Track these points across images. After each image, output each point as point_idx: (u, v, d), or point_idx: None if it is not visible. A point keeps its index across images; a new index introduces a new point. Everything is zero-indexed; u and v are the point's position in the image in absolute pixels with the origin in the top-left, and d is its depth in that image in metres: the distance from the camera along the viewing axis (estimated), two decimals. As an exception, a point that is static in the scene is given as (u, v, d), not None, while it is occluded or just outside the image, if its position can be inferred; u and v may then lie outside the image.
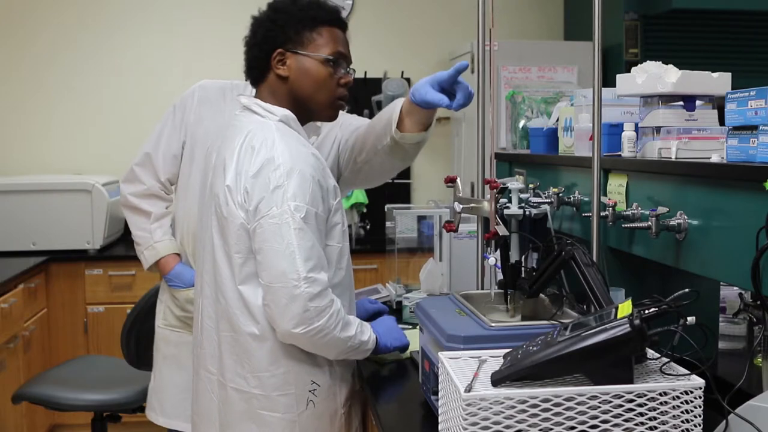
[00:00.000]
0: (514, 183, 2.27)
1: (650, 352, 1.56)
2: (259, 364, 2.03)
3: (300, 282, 1.91)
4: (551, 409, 1.41)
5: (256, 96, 2.16)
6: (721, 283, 2.17)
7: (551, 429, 1.42)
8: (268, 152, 1.98)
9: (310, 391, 2.06)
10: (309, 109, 2.14)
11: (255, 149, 1.99)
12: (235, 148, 2.03)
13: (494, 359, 1.60)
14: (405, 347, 2.29)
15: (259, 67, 2.12)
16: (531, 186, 2.59)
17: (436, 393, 1.73)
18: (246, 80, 2.20)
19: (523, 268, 2.04)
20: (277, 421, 2.04)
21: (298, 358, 2.04)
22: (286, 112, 2.09)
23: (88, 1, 5.27)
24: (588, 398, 1.41)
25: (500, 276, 2.05)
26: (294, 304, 1.92)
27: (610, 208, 2.09)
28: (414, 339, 2.26)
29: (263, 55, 2.10)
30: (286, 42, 2.08)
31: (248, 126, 2.07)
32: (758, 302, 2.15)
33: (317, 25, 2.11)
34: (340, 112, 2.25)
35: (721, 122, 1.94)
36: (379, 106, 5.36)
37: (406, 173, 5.50)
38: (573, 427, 1.42)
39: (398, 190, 5.42)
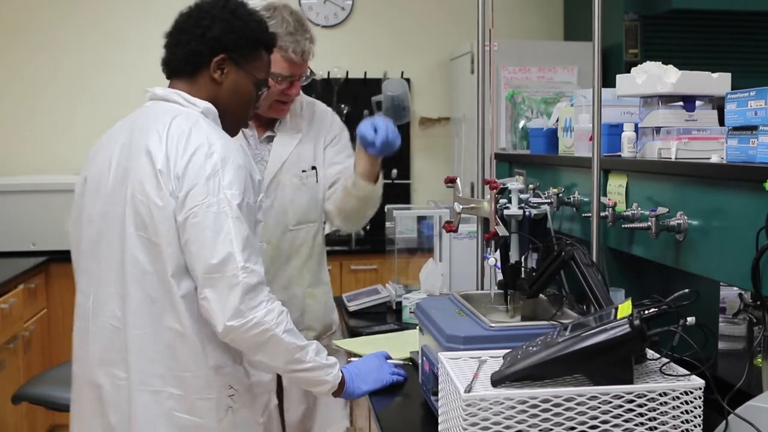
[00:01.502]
0: (514, 183, 2.27)
1: (650, 353, 1.56)
2: (183, 363, 1.89)
3: (238, 271, 1.80)
4: (551, 410, 1.41)
5: (171, 87, 2.05)
6: (721, 283, 2.17)
7: (551, 429, 1.42)
8: (200, 138, 1.88)
9: (229, 396, 1.94)
10: (223, 120, 2.05)
11: (185, 134, 1.88)
12: (161, 133, 1.90)
13: (494, 359, 1.60)
14: (387, 386, 2.13)
15: (194, 62, 2.01)
16: (531, 186, 2.59)
17: (435, 393, 1.73)
18: (163, 68, 2.09)
19: (522, 269, 2.03)
20: (194, 427, 1.91)
21: (222, 359, 1.92)
22: (209, 105, 2.00)
23: (95, 1, 5.29)
24: (588, 398, 1.42)
25: (500, 276, 2.05)
26: (232, 294, 1.80)
27: (610, 209, 2.09)
28: (414, 340, 2.25)
29: (206, 52, 2.00)
30: (234, 50, 2.01)
31: (171, 112, 1.95)
32: (758, 302, 2.15)
33: (262, 47, 2.08)
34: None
35: (721, 122, 1.94)
36: (379, 106, 5.36)
37: (406, 173, 5.50)
38: (573, 428, 1.42)
39: (398, 191, 5.42)
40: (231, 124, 2.08)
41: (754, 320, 2.24)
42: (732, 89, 1.98)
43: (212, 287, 1.82)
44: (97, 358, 1.96)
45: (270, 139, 2.60)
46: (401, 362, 2.23)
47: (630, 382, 1.44)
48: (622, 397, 1.43)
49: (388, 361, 2.18)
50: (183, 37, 2.02)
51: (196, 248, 1.83)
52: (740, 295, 2.33)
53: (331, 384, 1.99)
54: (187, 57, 2.01)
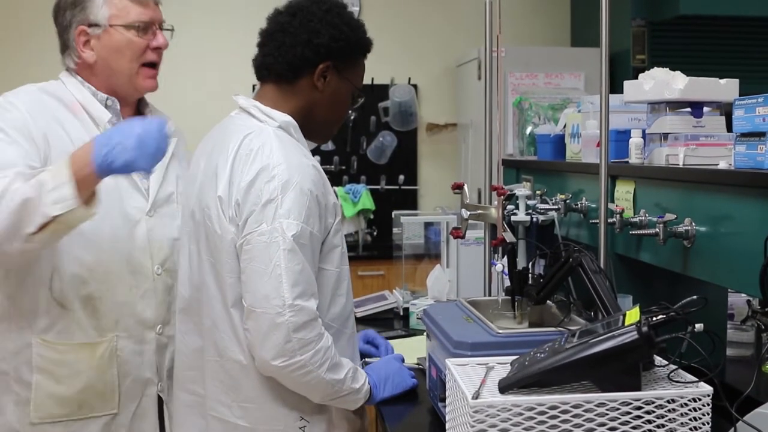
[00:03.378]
0: (522, 189, 2.27)
1: (658, 359, 1.55)
2: (246, 395, 1.84)
3: (284, 309, 1.71)
4: (559, 416, 1.41)
5: (260, 95, 1.96)
6: (729, 289, 2.17)
7: (559, 436, 1.42)
8: (263, 161, 1.78)
9: (300, 428, 1.86)
10: (314, 129, 1.98)
11: (251, 156, 1.80)
12: (229, 154, 1.83)
13: (501, 366, 1.60)
14: (409, 390, 2.10)
15: (298, 67, 1.91)
16: (538, 192, 2.59)
17: (443, 400, 1.72)
18: (258, 69, 1.98)
19: (530, 275, 2.03)
20: None
21: (289, 391, 1.83)
22: (287, 118, 1.90)
23: None
24: (596, 405, 1.41)
25: (507, 282, 2.05)
26: (275, 332, 1.71)
27: (618, 215, 2.09)
28: (421, 346, 2.25)
29: (314, 59, 1.90)
30: (338, 57, 1.93)
31: (244, 130, 1.87)
32: (766, 309, 2.14)
33: (363, 55, 2.02)
34: None
35: (729, 129, 1.94)
36: (386, 112, 5.36)
37: (413, 179, 5.50)
38: (581, 435, 1.42)
39: (405, 197, 5.43)
40: (322, 133, 2.04)
41: (763, 327, 2.24)
42: (740, 95, 1.98)
43: (255, 320, 1.75)
44: (184, 370, 1.98)
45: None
46: (416, 366, 2.24)
47: (638, 388, 1.44)
48: (630, 404, 1.42)
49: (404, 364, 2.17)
50: (287, 39, 1.91)
51: (245, 278, 1.77)
52: (748, 301, 2.33)
53: (362, 401, 1.93)
54: (291, 62, 1.91)
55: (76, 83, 2.09)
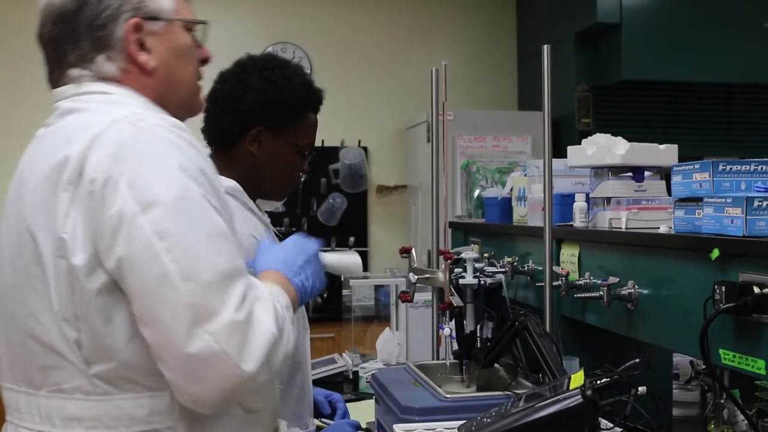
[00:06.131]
0: (469, 253, 2.29)
1: (604, 422, 1.56)
2: None
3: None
4: (506, 482, 1.41)
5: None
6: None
7: (506, 502, 1.41)
8: None
9: None
10: (265, 191, 1.99)
11: None
12: None
13: (449, 431, 1.59)
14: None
15: (229, 136, 1.93)
16: (486, 255, 2.61)
17: (391, 466, 1.71)
18: (204, 141, 1.97)
19: (478, 338, 2.04)
20: None
21: None
22: (232, 184, 1.86)
23: None
24: (542, 470, 1.41)
25: (456, 346, 2.06)
26: None
27: (563, 278, 2.11)
28: (371, 410, 2.24)
29: (240, 128, 1.91)
30: (267, 120, 1.92)
31: None
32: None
33: (304, 112, 1.99)
34: None
35: (670, 192, 1.98)
36: (337, 174, 5.39)
37: (363, 241, 5.52)
38: (528, 500, 1.41)
39: (356, 258, 5.42)
40: (276, 193, 2.02)
41: (707, 387, 2.26)
42: (680, 158, 2.04)
43: None
44: None
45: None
46: (365, 431, 2.21)
47: (584, 452, 1.44)
48: (576, 468, 1.43)
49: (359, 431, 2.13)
50: (217, 109, 1.92)
51: None
52: (692, 362, 2.35)
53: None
54: (221, 131, 1.92)
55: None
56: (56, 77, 1.42)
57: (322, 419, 2.25)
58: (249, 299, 1.25)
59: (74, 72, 1.39)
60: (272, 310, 1.29)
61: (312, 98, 2.02)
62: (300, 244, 1.56)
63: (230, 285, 1.23)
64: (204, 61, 1.52)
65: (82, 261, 1.24)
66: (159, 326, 1.22)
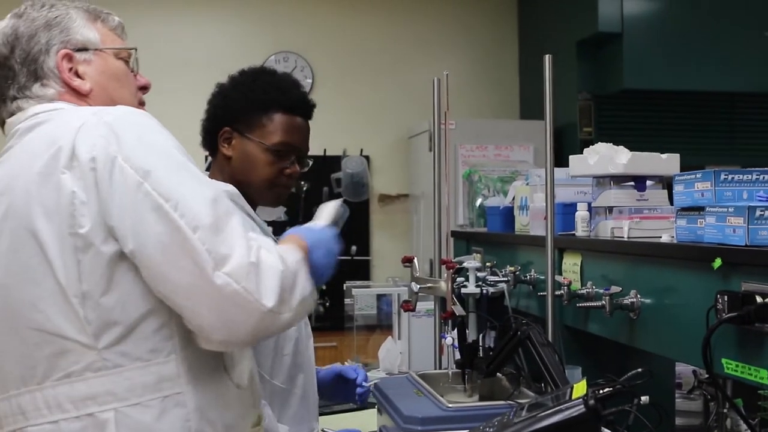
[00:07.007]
0: (471, 262, 2.29)
1: (606, 432, 1.56)
2: None
3: None
4: (508, 492, 1.41)
5: (209, 168, 2.09)
6: (676, 360, 2.20)
7: None
8: None
9: None
10: (252, 194, 2.01)
11: None
12: None
13: (451, 441, 1.59)
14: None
15: (208, 141, 2.07)
16: (488, 264, 2.61)
17: (393, 476, 1.71)
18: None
19: (480, 348, 2.04)
20: None
21: None
22: (229, 188, 1.91)
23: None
24: (545, 480, 1.41)
25: (458, 355, 2.06)
26: None
27: (565, 287, 2.11)
28: (373, 419, 2.24)
29: (211, 130, 2.04)
30: (234, 121, 2.01)
31: None
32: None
33: (270, 110, 2.03)
34: None
35: (672, 201, 1.99)
36: (339, 183, 5.40)
37: (365, 250, 5.52)
38: None
39: (358, 267, 5.43)
40: (263, 196, 2.04)
41: (709, 396, 2.26)
42: (681, 167, 2.04)
43: None
44: None
45: None
46: None
47: (586, 462, 1.44)
48: (579, 478, 1.42)
49: None
50: (203, 117, 2.07)
51: None
52: (694, 371, 2.36)
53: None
54: (203, 139, 2.08)
55: None
56: (3, 115, 1.54)
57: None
58: (254, 246, 1.36)
59: (18, 102, 1.52)
60: (275, 253, 1.39)
61: (280, 98, 2.04)
62: (333, 239, 1.65)
63: (227, 217, 1.36)
64: (143, 88, 1.66)
65: (91, 232, 1.33)
66: (184, 277, 1.31)
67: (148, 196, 1.32)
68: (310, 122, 2.12)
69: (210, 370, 1.42)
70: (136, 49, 1.65)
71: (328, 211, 1.73)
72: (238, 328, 1.34)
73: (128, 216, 1.32)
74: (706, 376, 2.27)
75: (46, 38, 1.53)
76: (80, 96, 1.54)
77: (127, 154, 1.34)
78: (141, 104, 1.65)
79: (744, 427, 1.90)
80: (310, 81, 5.47)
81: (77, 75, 1.54)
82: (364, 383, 2.26)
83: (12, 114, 1.52)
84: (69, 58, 1.53)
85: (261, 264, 1.34)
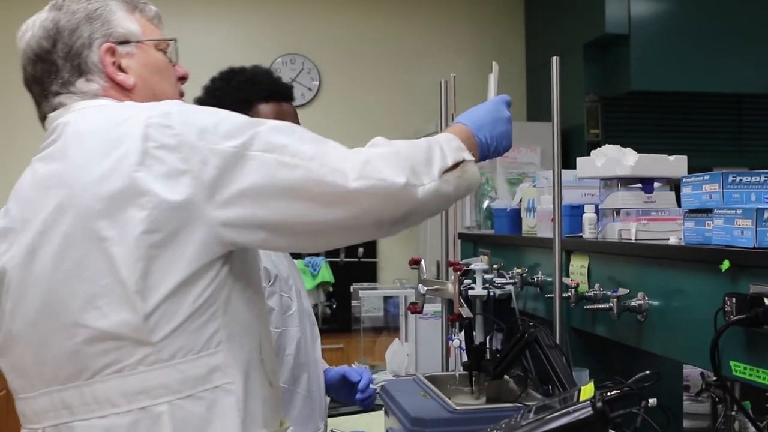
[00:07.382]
0: (479, 264, 2.29)
1: (614, 435, 1.56)
2: None
3: None
4: (516, 495, 1.41)
5: None
6: (683, 362, 2.19)
7: None
8: None
9: None
10: None
11: None
12: None
13: (459, 443, 1.59)
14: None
15: None
16: (495, 266, 2.61)
17: (401, 478, 1.71)
18: None
19: (487, 350, 2.04)
20: None
21: None
22: None
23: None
24: (552, 483, 1.41)
25: (465, 357, 2.06)
26: None
27: (573, 289, 2.11)
28: (380, 421, 2.24)
29: None
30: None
31: None
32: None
33: (253, 104, 2.06)
34: None
35: (679, 203, 1.98)
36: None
37: (372, 252, 5.52)
38: None
39: (364, 269, 5.43)
40: None
41: (717, 399, 2.25)
42: (689, 168, 2.04)
43: None
44: None
45: None
46: None
47: (594, 465, 1.44)
48: (587, 480, 1.42)
49: None
50: None
51: None
52: (702, 374, 2.35)
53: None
54: None
55: None
56: (45, 110, 1.51)
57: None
58: (355, 149, 1.52)
59: (60, 98, 1.48)
60: (379, 143, 1.58)
61: (260, 89, 2.08)
62: (494, 106, 1.84)
63: (321, 141, 1.48)
64: (182, 78, 1.65)
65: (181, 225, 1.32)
66: (322, 205, 1.39)
67: (254, 158, 1.34)
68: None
69: (252, 362, 1.43)
70: (176, 40, 1.63)
71: (491, 85, 1.98)
72: (381, 210, 1.45)
73: (247, 188, 1.33)
74: (714, 378, 2.27)
75: (88, 32, 1.50)
76: (123, 91, 1.52)
77: (210, 138, 1.34)
78: (181, 95, 1.64)
79: (752, 429, 1.90)
80: (317, 83, 5.48)
81: (120, 69, 1.52)
82: (369, 385, 2.26)
83: (54, 109, 1.49)
84: (112, 51, 1.51)
85: (371, 158, 1.46)
